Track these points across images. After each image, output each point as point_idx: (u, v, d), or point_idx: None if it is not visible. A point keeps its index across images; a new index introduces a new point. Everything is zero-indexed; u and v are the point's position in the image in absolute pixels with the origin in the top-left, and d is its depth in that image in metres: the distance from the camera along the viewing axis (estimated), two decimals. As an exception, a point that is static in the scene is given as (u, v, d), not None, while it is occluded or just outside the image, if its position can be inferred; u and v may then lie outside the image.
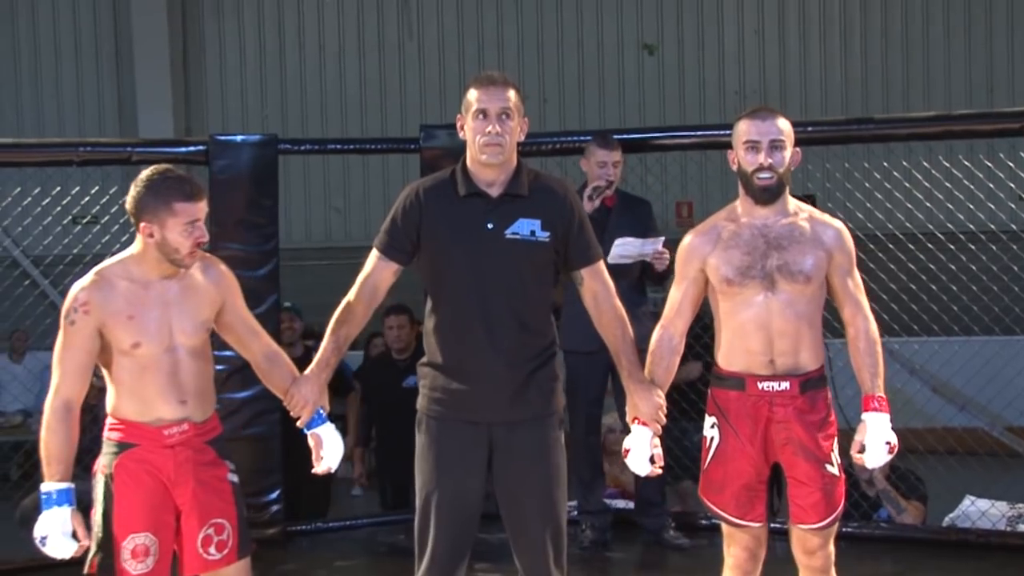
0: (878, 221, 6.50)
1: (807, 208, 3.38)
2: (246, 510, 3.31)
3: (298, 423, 3.23)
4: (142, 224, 3.06)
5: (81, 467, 5.60)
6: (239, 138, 5.40)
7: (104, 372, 3.16)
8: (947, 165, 6.10)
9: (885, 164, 6.21)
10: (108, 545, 3.07)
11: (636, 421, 3.27)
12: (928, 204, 6.39)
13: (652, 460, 3.23)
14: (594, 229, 4.34)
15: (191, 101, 10.57)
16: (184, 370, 3.13)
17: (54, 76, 10.58)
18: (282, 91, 10.66)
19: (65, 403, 3.05)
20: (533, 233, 3.18)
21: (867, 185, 6.43)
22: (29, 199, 6.30)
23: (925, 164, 6.15)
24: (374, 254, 3.28)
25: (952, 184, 6.25)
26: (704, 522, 5.23)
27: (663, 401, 3.26)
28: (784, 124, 3.30)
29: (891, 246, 6.34)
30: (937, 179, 6.24)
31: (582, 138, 5.68)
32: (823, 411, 3.29)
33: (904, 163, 6.13)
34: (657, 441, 3.26)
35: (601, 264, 3.31)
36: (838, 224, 3.35)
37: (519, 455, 3.21)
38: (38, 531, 3.01)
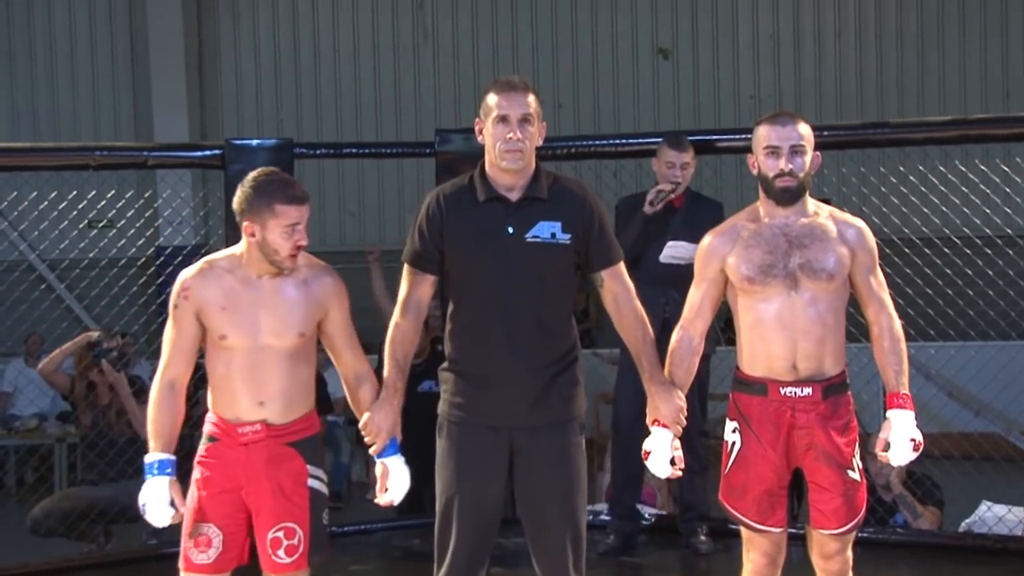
0: (893, 225, 6.47)
1: (827, 208, 3.37)
2: (326, 517, 3.30)
3: (371, 450, 3.24)
4: (245, 223, 3.14)
5: (114, 470, 5.60)
6: (255, 142, 5.43)
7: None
8: (963, 169, 6.08)
9: (901, 168, 6.20)
10: (180, 533, 3.21)
11: (656, 423, 3.26)
12: (944, 208, 6.36)
13: (673, 462, 3.22)
14: (656, 228, 4.40)
15: (206, 105, 10.61)
16: (267, 371, 3.17)
17: (70, 80, 10.63)
18: (297, 95, 10.68)
19: (169, 382, 3.17)
20: (554, 235, 3.19)
21: (882, 189, 6.41)
22: (45, 203, 6.33)
23: (941, 168, 6.14)
24: (407, 270, 3.30)
25: (968, 188, 6.22)
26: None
27: (684, 403, 3.26)
28: (804, 129, 3.30)
29: (907, 250, 6.32)
30: (953, 183, 6.22)
31: (597, 142, 5.70)
32: (845, 416, 3.28)
33: (920, 167, 6.11)
34: (678, 443, 3.25)
35: (621, 266, 3.30)
36: (859, 223, 3.35)
37: (540, 460, 3.21)
38: (141, 498, 3.11)
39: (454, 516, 3.23)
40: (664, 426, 3.24)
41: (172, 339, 3.19)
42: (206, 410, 3.27)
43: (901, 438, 3.16)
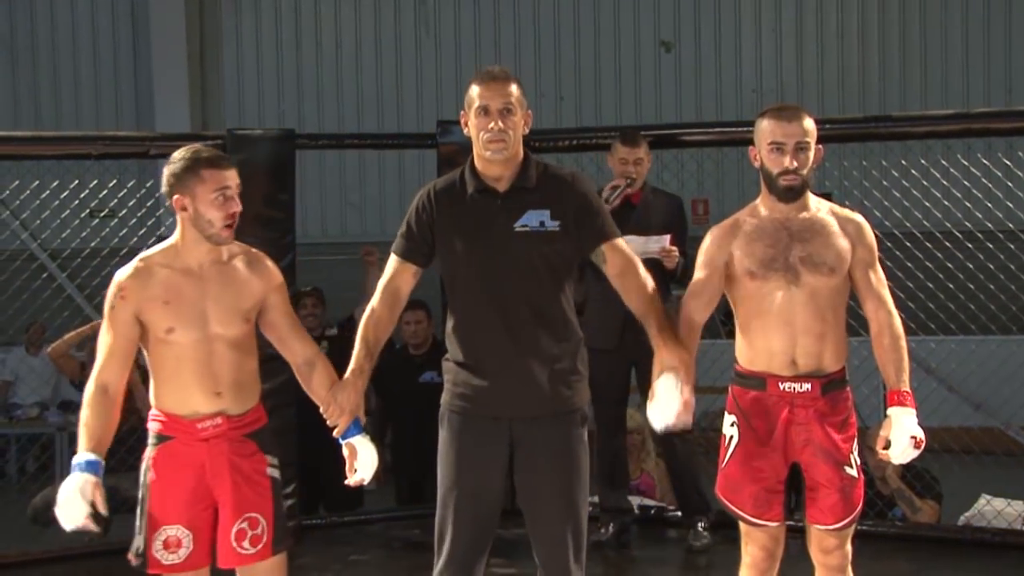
0: (895, 219, 6.47)
1: (827, 204, 3.37)
2: (284, 505, 3.30)
3: (334, 432, 3.21)
4: (175, 198, 3.10)
5: (115, 459, 5.64)
6: (256, 132, 5.41)
7: (147, 363, 3.19)
8: (965, 163, 6.08)
9: (903, 162, 6.19)
10: (144, 536, 3.13)
11: (661, 373, 3.14)
12: (946, 202, 6.37)
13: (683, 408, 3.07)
14: (617, 225, 4.36)
15: (208, 95, 10.60)
16: (220, 361, 3.12)
17: (72, 69, 10.62)
18: (298, 86, 10.68)
19: (103, 386, 3.07)
20: (542, 224, 3.19)
21: (884, 183, 6.42)
22: (47, 192, 6.33)
23: (943, 162, 6.13)
24: (392, 258, 3.31)
25: (970, 182, 6.22)
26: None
27: (690, 356, 3.18)
28: (809, 124, 3.27)
29: (908, 244, 6.32)
30: (955, 177, 6.22)
31: (599, 135, 5.69)
32: (843, 412, 3.28)
33: (922, 161, 6.11)
34: (688, 390, 3.11)
35: (621, 241, 3.27)
36: (859, 218, 3.33)
37: (540, 451, 3.20)
38: (58, 496, 3.02)
39: (453, 506, 3.24)
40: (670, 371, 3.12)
41: (108, 342, 3.10)
42: (148, 409, 3.18)
43: (902, 436, 3.16)
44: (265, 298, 3.22)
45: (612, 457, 5.02)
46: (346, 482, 3.25)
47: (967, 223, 6.46)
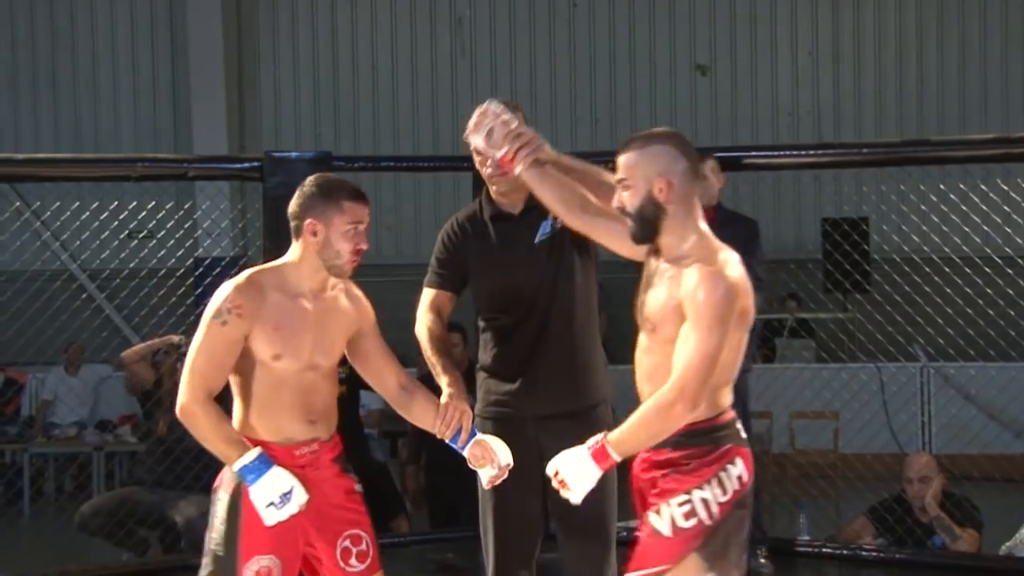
0: (934, 244, 6.42)
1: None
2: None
3: (461, 437, 3.11)
4: (308, 221, 3.02)
5: (152, 480, 5.64)
6: (293, 155, 5.45)
7: (234, 387, 3.07)
8: (1005, 188, 6.03)
9: (941, 186, 6.14)
10: (230, 565, 2.97)
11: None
12: (985, 227, 6.30)
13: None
14: None
15: (245, 118, 10.68)
16: (317, 390, 3.06)
17: (112, 93, 10.73)
18: (335, 109, 10.74)
19: (209, 395, 2.98)
20: (552, 226, 3.32)
21: (922, 207, 6.37)
22: (87, 214, 6.39)
23: (982, 187, 6.08)
24: (426, 292, 3.42)
25: (1010, 207, 6.16)
26: (802, 549, 5.19)
27: None
28: (628, 159, 2.83)
29: (947, 269, 6.27)
30: (994, 202, 6.16)
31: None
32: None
33: (961, 185, 6.06)
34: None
35: None
36: (700, 271, 2.86)
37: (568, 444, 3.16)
38: (265, 498, 2.90)
39: (492, 522, 3.32)
40: None
41: (214, 352, 2.96)
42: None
43: (556, 463, 2.87)
44: (358, 329, 3.17)
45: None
46: (491, 477, 3.16)
47: (1007, 248, 6.39)
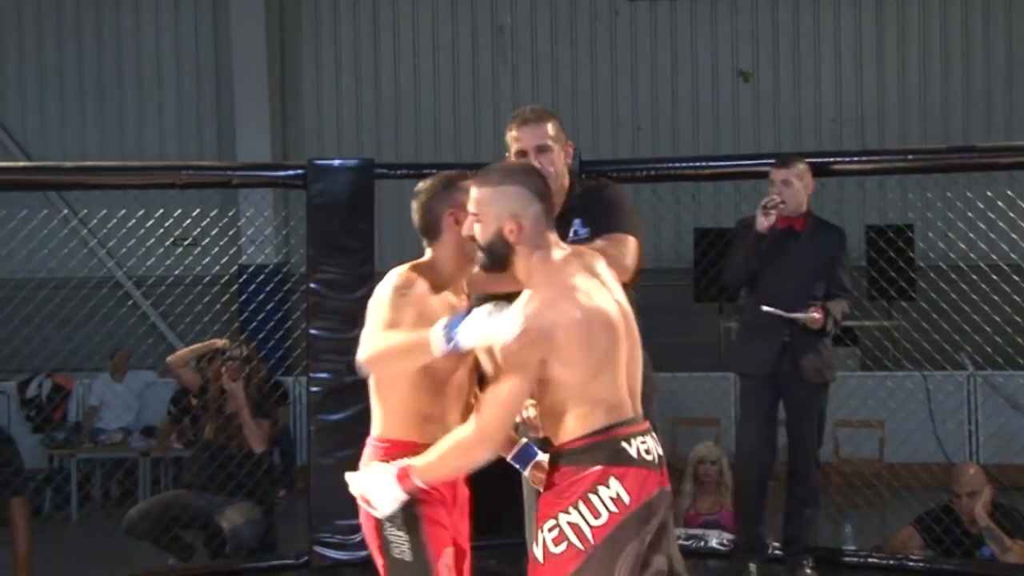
0: (980, 251, 6.35)
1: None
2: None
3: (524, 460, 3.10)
4: (447, 215, 3.00)
5: (197, 485, 5.66)
6: (336, 162, 5.46)
7: (377, 391, 3.02)
8: (1053, 194, 5.96)
9: (988, 193, 6.08)
10: (424, 566, 2.96)
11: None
12: (1032, 234, 6.23)
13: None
14: (781, 253, 4.55)
15: (288, 126, 10.74)
16: (463, 394, 3.04)
17: (156, 101, 10.83)
18: (377, 116, 10.78)
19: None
20: (576, 232, 3.41)
21: (969, 215, 6.30)
22: (133, 221, 6.44)
23: (1030, 193, 6.01)
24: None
25: (1058, 213, 6.09)
26: (848, 559, 5.15)
27: None
28: (482, 194, 2.87)
29: (994, 277, 6.20)
30: (1042, 208, 6.09)
31: (677, 164, 5.67)
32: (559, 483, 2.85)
33: (1008, 192, 5.99)
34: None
35: (620, 235, 3.38)
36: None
37: None
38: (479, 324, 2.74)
39: None
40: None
41: (397, 324, 2.90)
42: (388, 441, 2.99)
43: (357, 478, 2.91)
44: None
45: (755, 490, 4.87)
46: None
47: (1055, 255, 6.31)
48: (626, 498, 2.76)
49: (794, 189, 4.78)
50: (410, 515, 2.93)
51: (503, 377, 2.74)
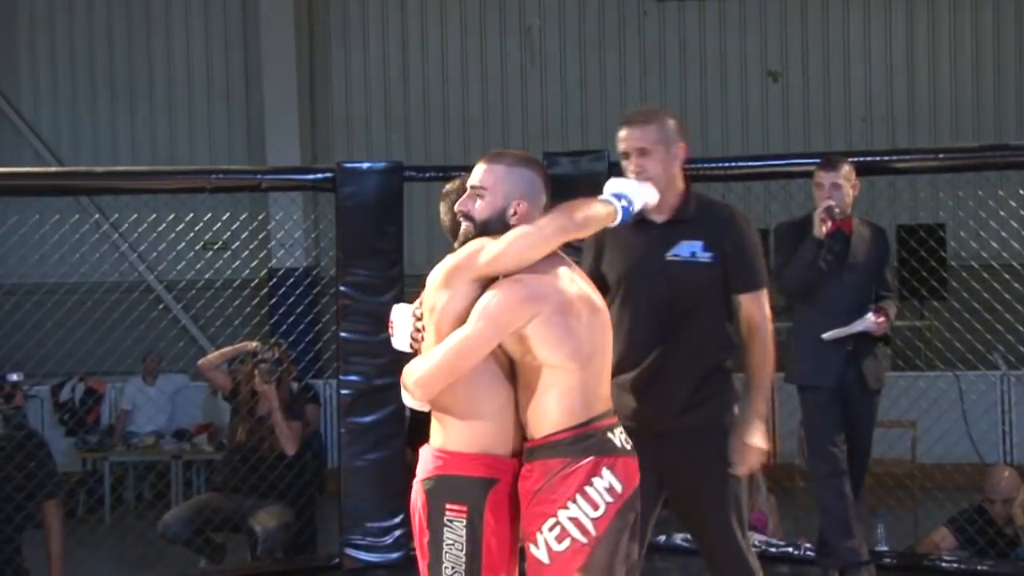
0: (1013, 250, 6.30)
1: None
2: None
3: None
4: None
5: (229, 487, 5.70)
6: (365, 165, 5.48)
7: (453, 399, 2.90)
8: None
9: (1021, 191, 6.03)
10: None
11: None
12: (1066, 232, 6.17)
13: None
14: (831, 258, 4.48)
15: (317, 129, 10.79)
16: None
17: (187, 106, 10.90)
18: (405, 118, 10.80)
19: None
20: (694, 255, 3.38)
21: (1001, 213, 6.24)
22: (163, 225, 6.49)
23: (1063, 191, 5.96)
24: None
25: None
26: (928, 562, 5.09)
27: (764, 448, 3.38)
28: (495, 171, 2.95)
29: (1027, 276, 6.14)
30: (1076, 207, 6.03)
31: (706, 165, 5.64)
32: (540, 481, 2.84)
33: (1041, 190, 5.94)
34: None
35: (761, 294, 3.42)
36: None
37: (687, 469, 3.41)
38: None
39: None
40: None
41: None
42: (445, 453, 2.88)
43: None
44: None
45: (832, 500, 4.72)
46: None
47: (1089, 254, 6.25)
48: (619, 487, 2.79)
49: (843, 191, 4.70)
50: (475, 531, 2.84)
51: (474, 328, 2.75)
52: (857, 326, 4.64)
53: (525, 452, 2.85)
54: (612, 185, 3.04)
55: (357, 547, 5.24)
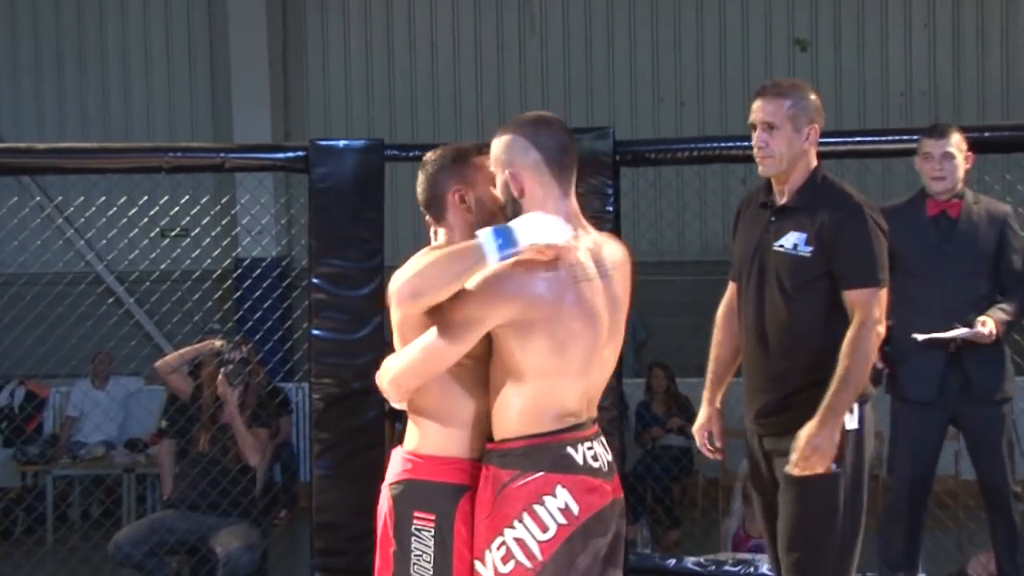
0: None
1: None
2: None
3: None
4: (451, 192, 3.03)
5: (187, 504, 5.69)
6: (341, 143, 5.47)
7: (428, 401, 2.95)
8: None
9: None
10: None
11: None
12: None
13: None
14: (936, 244, 4.49)
15: (291, 103, 10.77)
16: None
17: (144, 78, 10.87)
18: (390, 92, 10.78)
19: None
20: (795, 247, 3.49)
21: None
22: (114, 209, 6.47)
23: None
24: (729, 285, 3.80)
25: None
26: None
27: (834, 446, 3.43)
28: (492, 148, 3.01)
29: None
30: None
31: (725, 144, 5.63)
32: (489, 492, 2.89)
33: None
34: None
35: (862, 293, 3.45)
36: None
37: (779, 474, 3.58)
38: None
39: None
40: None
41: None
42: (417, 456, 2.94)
43: None
44: None
45: (908, 524, 4.72)
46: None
47: None
48: (575, 509, 2.79)
49: (955, 163, 4.58)
50: (444, 539, 2.89)
51: (448, 326, 2.75)
52: (957, 333, 4.48)
53: (484, 455, 2.88)
54: (517, 220, 2.84)
55: (330, 571, 5.23)
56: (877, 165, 7.41)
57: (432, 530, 2.87)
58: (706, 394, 3.89)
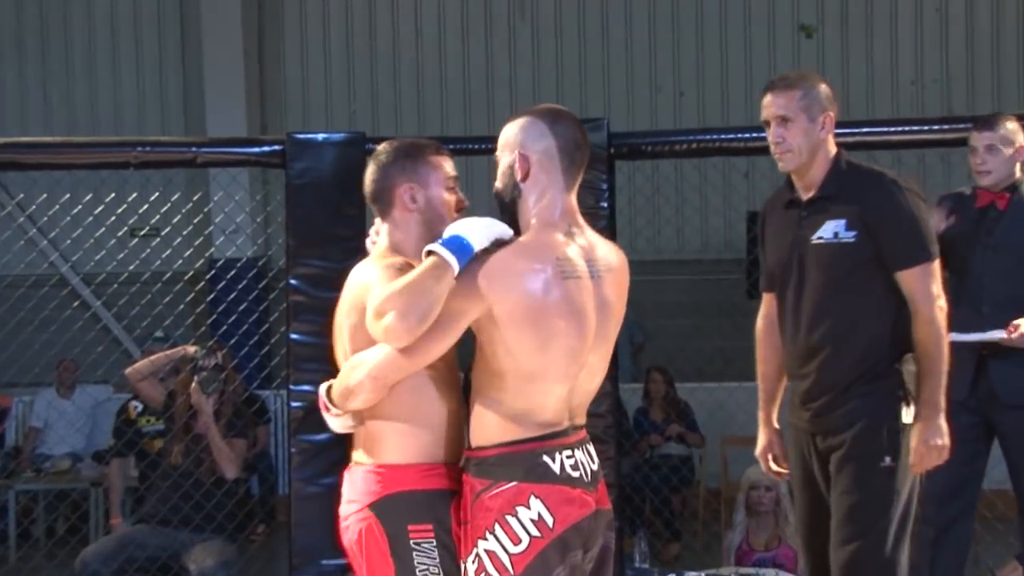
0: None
1: None
2: None
3: None
4: (401, 188, 3.05)
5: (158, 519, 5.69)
6: (320, 137, 5.46)
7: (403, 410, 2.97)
8: None
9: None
10: None
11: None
12: None
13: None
14: (979, 239, 4.47)
15: (268, 96, 10.76)
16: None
17: (111, 67, 10.86)
18: (372, 83, 10.79)
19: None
20: (836, 235, 3.55)
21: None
22: (80, 207, 6.46)
23: None
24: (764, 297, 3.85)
25: None
26: None
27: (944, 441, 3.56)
28: (502, 131, 3.10)
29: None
30: None
31: (726, 136, 5.63)
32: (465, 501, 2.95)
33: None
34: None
35: (919, 270, 3.52)
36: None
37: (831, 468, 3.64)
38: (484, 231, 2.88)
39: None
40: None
41: None
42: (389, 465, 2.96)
43: None
44: None
45: (946, 535, 4.70)
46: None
47: None
48: (550, 520, 2.80)
49: (1002, 157, 4.55)
50: (449, 550, 2.91)
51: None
52: (990, 335, 4.46)
53: (463, 462, 2.92)
54: (451, 228, 2.89)
55: (309, 589, 5.23)
56: (886, 157, 7.41)
57: (432, 540, 2.88)
58: (761, 415, 3.95)
